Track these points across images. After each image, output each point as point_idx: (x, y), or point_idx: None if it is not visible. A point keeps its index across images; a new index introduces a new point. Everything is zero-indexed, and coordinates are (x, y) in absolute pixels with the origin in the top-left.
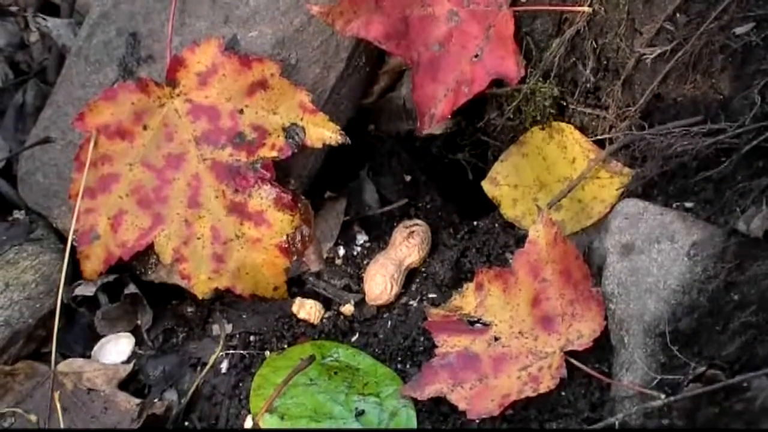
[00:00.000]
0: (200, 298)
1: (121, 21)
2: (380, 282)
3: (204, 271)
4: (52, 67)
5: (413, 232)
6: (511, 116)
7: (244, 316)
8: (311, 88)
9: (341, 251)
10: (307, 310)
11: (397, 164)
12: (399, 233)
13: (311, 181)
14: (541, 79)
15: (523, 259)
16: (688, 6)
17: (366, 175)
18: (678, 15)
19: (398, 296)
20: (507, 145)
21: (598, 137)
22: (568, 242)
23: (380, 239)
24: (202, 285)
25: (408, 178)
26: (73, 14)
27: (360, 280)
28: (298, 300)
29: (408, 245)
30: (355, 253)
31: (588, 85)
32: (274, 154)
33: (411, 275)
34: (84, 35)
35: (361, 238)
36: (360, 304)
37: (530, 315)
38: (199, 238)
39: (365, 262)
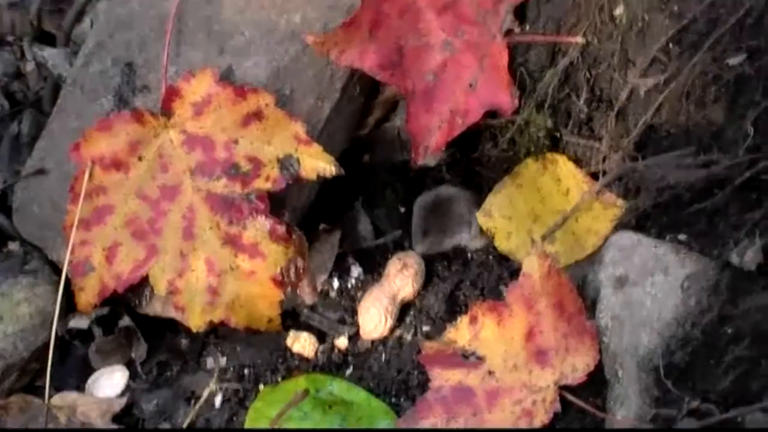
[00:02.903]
0: (194, 330)
1: (117, 50)
2: (374, 315)
3: (198, 303)
4: (48, 97)
5: (407, 264)
6: (505, 147)
7: (238, 349)
8: (306, 118)
9: (335, 284)
10: (302, 343)
11: (391, 195)
12: (393, 266)
13: (305, 213)
14: (534, 110)
15: (517, 292)
16: (681, 36)
17: (360, 207)
18: (671, 45)
19: (392, 329)
20: (501, 177)
21: (592, 169)
22: (562, 275)
23: (375, 271)
24: (196, 317)
25: (402, 209)
26: (69, 43)
27: (354, 312)
28: (292, 333)
29: (402, 277)
30: (349, 285)
31: (582, 116)
32: (269, 185)
33: (405, 308)
34: (79, 65)
35: (356, 270)
36: (354, 337)
37: (524, 348)
38: (193, 270)
39: (360, 295)
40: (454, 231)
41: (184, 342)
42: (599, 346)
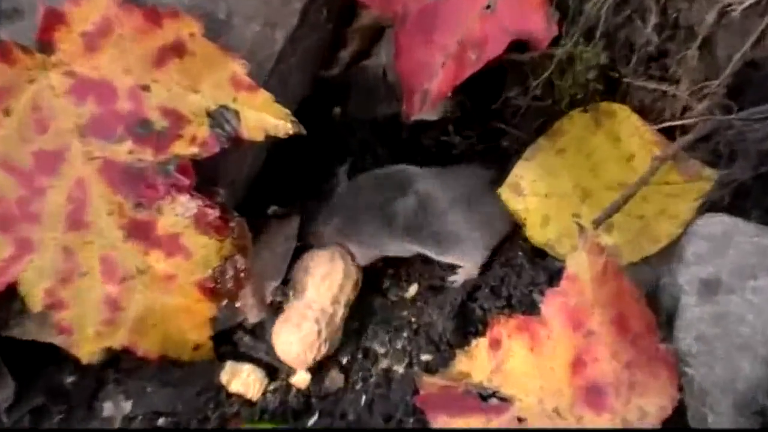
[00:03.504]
0: (85, 362)
1: None
2: (293, 344)
3: (91, 322)
4: None
5: (317, 265)
6: (540, 94)
7: (149, 389)
8: (248, 54)
9: (291, 292)
10: (243, 379)
11: (373, 163)
12: (301, 271)
13: (249, 191)
14: (582, 39)
15: (558, 302)
16: None
17: (332, 179)
18: None
19: (333, 354)
20: (534, 137)
21: (666, 124)
22: (625, 278)
23: None
24: (88, 343)
25: None
26: None
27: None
28: (229, 365)
29: (319, 286)
30: None
31: (650, 49)
32: (195, 150)
33: (398, 328)
34: None
35: None
36: (323, 370)
37: (570, 385)
38: (84, 274)
39: None
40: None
41: (70, 379)
42: (679, 380)
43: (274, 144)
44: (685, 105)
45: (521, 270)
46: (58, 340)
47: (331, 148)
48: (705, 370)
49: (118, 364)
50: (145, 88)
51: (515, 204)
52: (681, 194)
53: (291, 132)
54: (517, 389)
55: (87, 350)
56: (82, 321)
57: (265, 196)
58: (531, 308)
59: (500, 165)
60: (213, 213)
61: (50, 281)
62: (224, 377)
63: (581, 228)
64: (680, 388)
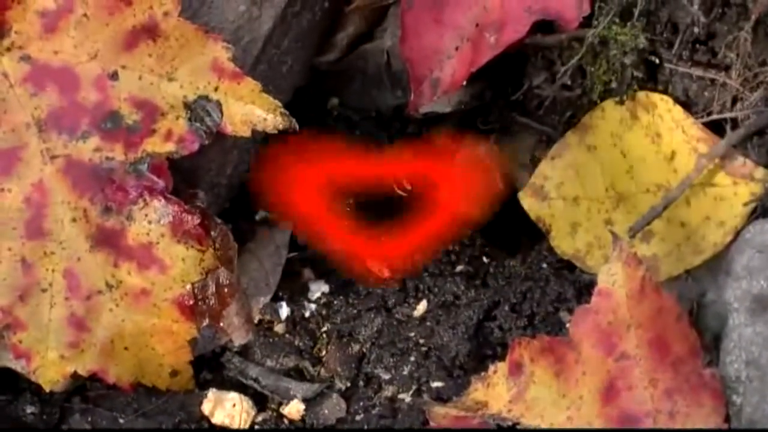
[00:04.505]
0: (47, 390)
1: None
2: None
3: (54, 345)
4: None
5: None
6: (569, 83)
7: (121, 421)
8: (232, 36)
9: (284, 311)
10: (228, 410)
11: None
12: None
13: (233, 194)
14: (617, 20)
15: (588, 321)
16: None
17: None
18: None
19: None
20: (561, 132)
21: (714, 117)
22: (665, 294)
23: (348, 288)
24: (50, 369)
25: None
26: None
27: (317, 357)
28: (212, 394)
29: None
30: (307, 313)
31: (696, 30)
32: (171, 147)
33: (405, 351)
34: None
35: (317, 287)
36: (320, 399)
37: (601, 414)
38: (45, 290)
39: (325, 329)
40: None
41: (30, 410)
42: (726, 410)
43: (263, 141)
44: (736, 95)
45: (546, 285)
46: (15, 366)
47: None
48: (756, 399)
49: (86, 393)
50: (113, 75)
51: (539, 209)
52: (729, 198)
53: (281, 126)
54: (540, 420)
55: (49, 377)
56: (43, 343)
57: (252, 202)
58: (557, 328)
59: (521, 161)
60: (192, 219)
61: (6, 298)
62: (207, 407)
63: (615, 237)
64: (727, 419)
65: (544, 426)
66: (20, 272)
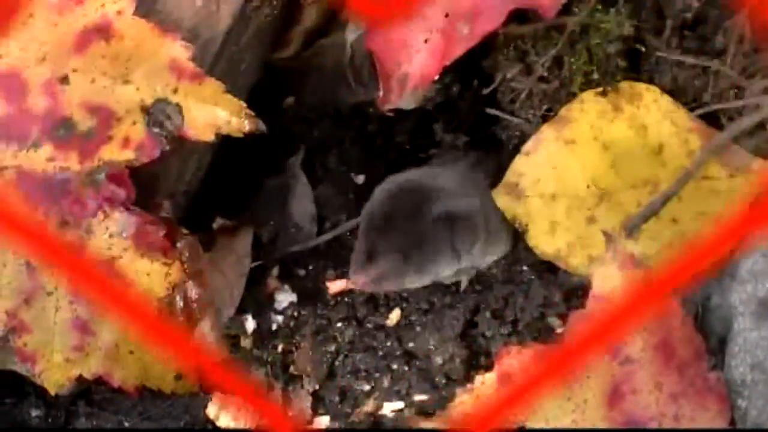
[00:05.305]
0: (53, 393)
1: None
2: None
3: (59, 348)
4: None
5: None
6: (546, 74)
7: (126, 424)
8: (190, 34)
9: (250, 324)
10: (234, 413)
11: (337, 161)
12: None
13: (190, 202)
14: (600, 5)
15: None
16: None
17: (289, 183)
18: None
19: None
20: (537, 126)
21: (706, 109)
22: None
23: (316, 297)
24: (55, 372)
25: (361, 179)
26: None
27: (286, 371)
28: (217, 397)
29: None
30: (274, 326)
31: (686, 15)
32: (130, 155)
33: (384, 360)
34: None
35: (285, 297)
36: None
37: (605, 418)
38: (50, 294)
39: (295, 340)
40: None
41: (35, 412)
42: (731, 414)
43: (220, 144)
44: (732, 84)
45: (529, 288)
46: (20, 369)
47: (283, 145)
48: (762, 403)
49: (91, 396)
50: (64, 79)
51: (514, 208)
52: (725, 191)
53: (247, 129)
54: (544, 424)
55: (54, 380)
56: (49, 346)
57: (208, 207)
58: (545, 334)
59: (495, 161)
60: (156, 231)
61: (11, 301)
62: (211, 410)
63: (608, 237)
64: (732, 423)
65: None
66: (25, 275)
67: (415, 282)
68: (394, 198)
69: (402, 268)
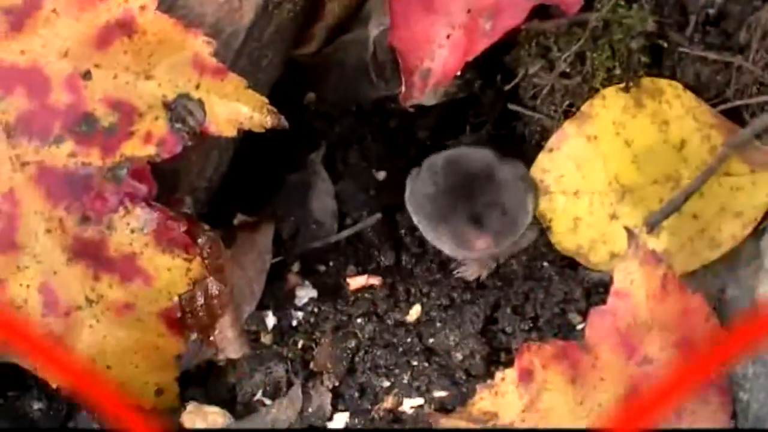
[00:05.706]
0: (54, 386)
1: None
2: None
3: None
4: None
5: None
6: (568, 70)
7: None
8: (212, 30)
9: (270, 320)
10: (209, 422)
11: (358, 157)
12: None
13: (212, 198)
14: (622, 1)
15: (606, 324)
16: None
17: (309, 179)
18: None
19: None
20: (560, 122)
21: (729, 105)
22: (690, 293)
23: (336, 293)
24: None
25: (380, 178)
26: None
27: (306, 368)
28: (192, 407)
29: None
30: (294, 322)
31: (709, 11)
32: (151, 150)
33: (404, 356)
34: None
35: (305, 293)
36: (309, 414)
37: None
38: (19, 308)
39: (315, 336)
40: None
41: (37, 405)
42: (732, 407)
43: (242, 140)
44: (755, 79)
45: (549, 284)
46: (22, 362)
47: (304, 141)
48: (763, 396)
49: None
50: (86, 75)
51: (540, 204)
52: (747, 187)
53: (269, 125)
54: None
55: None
56: None
57: (229, 203)
58: (565, 331)
59: (518, 157)
60: (178, 227)
61: None
62: (186, 419)
63: (630, 233)
64: (733, 416)
65: None
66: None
67: (514, 238)
68: (452, 167)
69: (508, 227)
